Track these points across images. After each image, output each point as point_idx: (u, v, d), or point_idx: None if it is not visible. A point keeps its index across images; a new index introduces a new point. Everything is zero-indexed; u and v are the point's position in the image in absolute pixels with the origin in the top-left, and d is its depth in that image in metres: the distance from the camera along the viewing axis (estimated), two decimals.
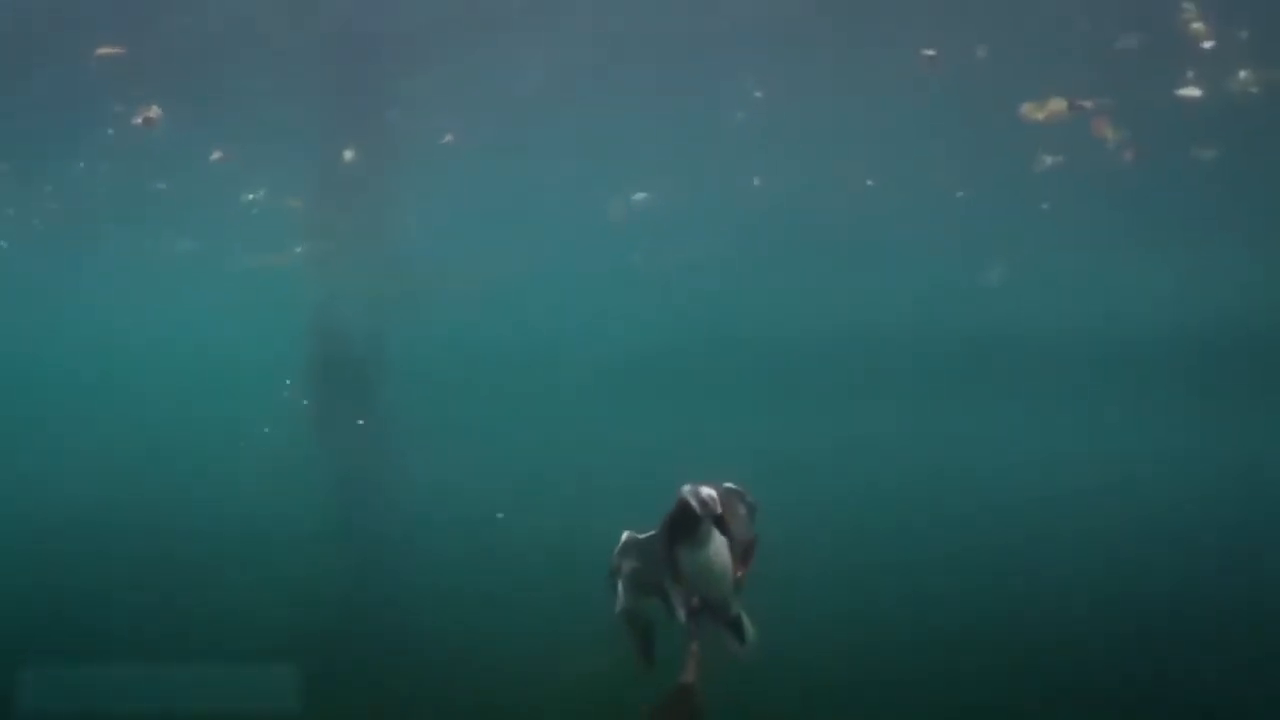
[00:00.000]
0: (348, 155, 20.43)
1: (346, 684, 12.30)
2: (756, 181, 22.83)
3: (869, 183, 22.71)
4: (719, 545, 6.55)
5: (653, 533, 6.61)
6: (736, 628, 6.90)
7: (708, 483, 6.40)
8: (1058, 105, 17.63)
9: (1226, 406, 31.18)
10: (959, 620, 14.03)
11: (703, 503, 6.29)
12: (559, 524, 17.16)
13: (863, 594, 15.55)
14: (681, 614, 6.59)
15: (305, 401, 24.11)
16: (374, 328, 24.86)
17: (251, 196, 22.50)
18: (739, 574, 6.74)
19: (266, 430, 29.60)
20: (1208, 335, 29.48)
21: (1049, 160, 20.47)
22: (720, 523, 6.38)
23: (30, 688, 11.26)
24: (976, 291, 29.46)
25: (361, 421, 22.73)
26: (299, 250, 25.61)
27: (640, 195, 23.64)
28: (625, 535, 6.76)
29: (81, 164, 20.43)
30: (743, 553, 6.78)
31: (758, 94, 18.49)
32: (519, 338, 32.95)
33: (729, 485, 6.66)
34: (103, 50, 15.63)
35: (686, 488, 6.35)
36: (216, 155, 20.10)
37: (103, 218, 23.64)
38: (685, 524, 6.40)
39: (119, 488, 24.29)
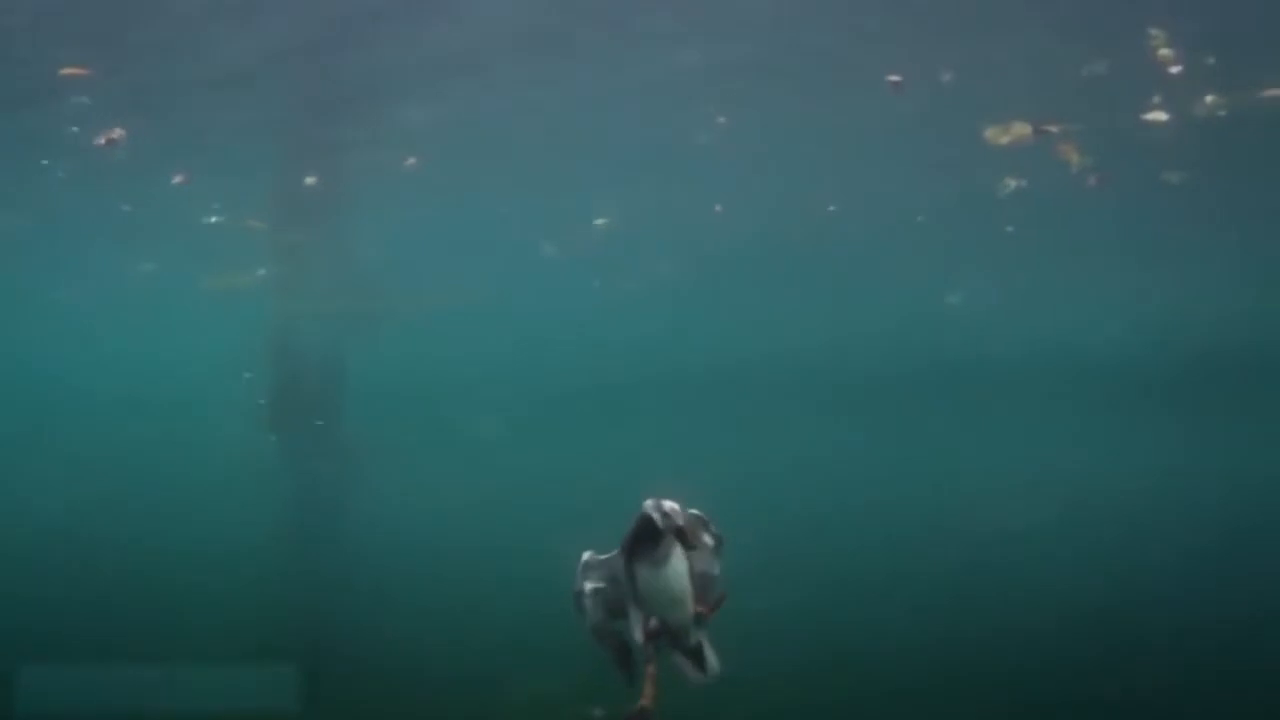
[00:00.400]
0: (309, 180, 20.33)
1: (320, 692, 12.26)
2: (718, 207, 22.80)
3: (831, 208, 22.73)
4: (678, 567, 6.41)
5: (614, 553, 6.49)
6: (697, 656, 6.76)
7: (671, 498, 6.28)
8: (1022, 129, 17.64)
9: (1194, 423, 31.42)
10: (926, 645, 13.98)
11: (664, 515, 6.16)
12: (519, 543, 17.06)
13: (829, 617, 15.50)
14: (638, 635, 6.45)
15: (266, 422, 23.93)
16: (334, 348, 24.72)
17: (214, 219, 22.38)
18: (701, 610, 6.60)
19: (224, 451, 29.45)
20: (1174, 354, 29.68)
21: (1013, 184, 20.51)
22: (682, 535, 6.24)
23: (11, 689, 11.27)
24: (940, 315, 29.56)
25: (321, 441, 22.60)
26: (261, 272, 25.50)
27: (601, 220, 23.60)
28: (585, 555, 6.63)
29: (44, 180, 20.25)
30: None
31: (720, 119, 18.44)
32: (479, 360, 32.90)
33: (694, 512, 6.53)
34: (67, 70, 15.47)
35: (649, 501, 6.23)
36: (178, 178, 19.98)
37: (65, 237, 23.51)
38: (645, 537, 6.27)
39: (75, 502, 24.18)
